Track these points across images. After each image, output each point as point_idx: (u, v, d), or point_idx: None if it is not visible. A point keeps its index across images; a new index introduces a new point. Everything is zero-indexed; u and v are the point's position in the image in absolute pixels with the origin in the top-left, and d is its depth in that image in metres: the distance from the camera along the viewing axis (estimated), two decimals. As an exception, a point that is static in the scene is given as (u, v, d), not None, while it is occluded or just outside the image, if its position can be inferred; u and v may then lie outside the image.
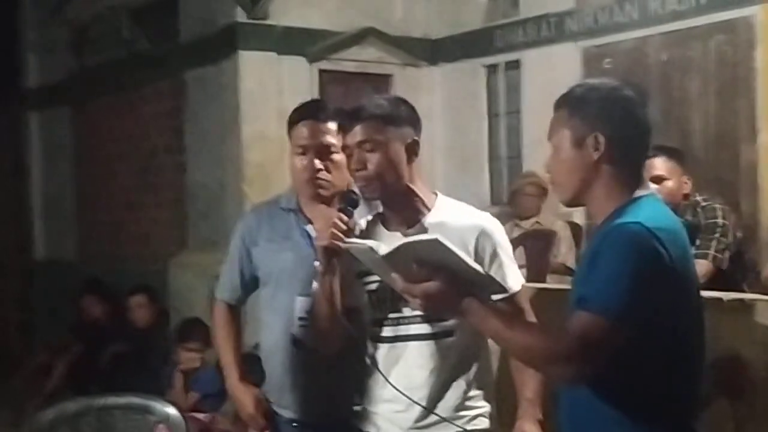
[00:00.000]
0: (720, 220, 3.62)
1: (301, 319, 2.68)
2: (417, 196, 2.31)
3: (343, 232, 2.22)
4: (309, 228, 2.72)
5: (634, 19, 5.90)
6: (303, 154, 2.69)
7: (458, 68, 7.03)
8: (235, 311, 2.92)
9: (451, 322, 2.26)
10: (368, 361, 2.35)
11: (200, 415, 4.90)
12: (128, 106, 7.58)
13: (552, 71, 6.28)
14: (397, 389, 2.25)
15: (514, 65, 6.71)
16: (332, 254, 2.22)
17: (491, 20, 6.85)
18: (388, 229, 2.34)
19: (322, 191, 2.68)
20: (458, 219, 2.31)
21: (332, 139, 2.67)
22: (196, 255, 6.47)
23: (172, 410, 2.98)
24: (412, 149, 2.30)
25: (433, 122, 7.09)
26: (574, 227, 6.10)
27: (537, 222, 6.04)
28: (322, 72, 6.61)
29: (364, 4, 6.74)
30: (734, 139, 5.48)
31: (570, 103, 1.95)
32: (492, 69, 6.91)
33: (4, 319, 8.68)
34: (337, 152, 2.66)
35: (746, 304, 3.04)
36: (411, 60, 7.03)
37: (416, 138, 2.31)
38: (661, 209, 1.90)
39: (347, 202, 2.33)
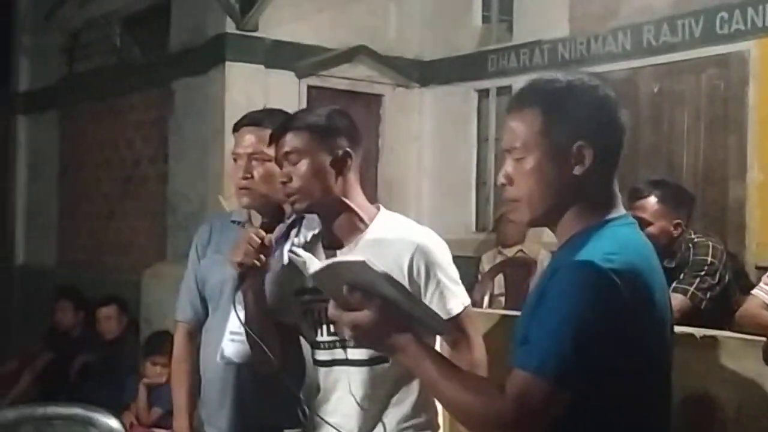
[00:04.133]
0: (709, 259, 3.49)
1: (232, 333, 2.57)
2: (352, 210, 2.20)
3: (257, 247, 2.13)
4: None
5: (626, 49, 5.83)
6: (237, 161, 2.63)
7: (450, 91, 6.96)
8: (194, 338, 2.78)
9: None
10: (312, 385, 2.27)
11: (160, 432, 4.78)
12: (115, 113, 7.51)
13: (543, 98, 6.18)
14: (325, 421, 2.15)
15: (506, 91, 6.63)
16: (246, 270, 2.15)
17: (485, 44, 6.79)
18: (325, 248, 2.24)
19: (248, 200, 2.60)
20: (396, 235, 2.18)
21: (265, 148, 2.55)
22: (172, 267, 6.34)
23: (115, 424, 2.86)
24: (343, 161, 2.19)
25: (422, 145, 7.03)
26: (558, 257, 6.01)
27: (521, 250, 5.94)
28: (310, 88, 6.54)
29: (356, 22, 6.68)
30: (723, 175, 5.38)
31: (545, 102, 1.63)
32: (484, 93, 6.83)
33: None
34: (269, 161, 2.54)
35: (719, 341, 2.93)
36: (402, 81, 6.96)
37: (349, 150, 2.20)
38: (627, 239, 1.63)
39: (270, 216, 2.26)
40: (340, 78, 6.67)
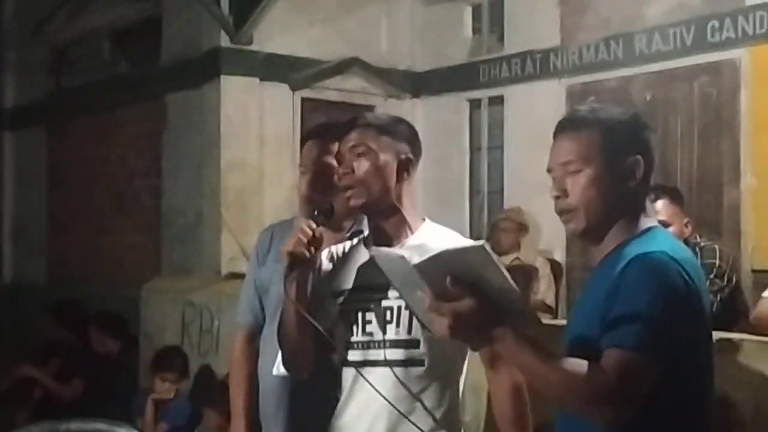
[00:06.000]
0: (717, 262, 3.57)
1: None
2: (402, 216, 2.21)
3: (309, 239, 2.13)
4: None
5: (618, 57, 5.90)
6: (304, 174, 2.65)
7: (441, 102, 7.01)
8: (254, 342, 2.77)
9: (422, 350, 2.13)
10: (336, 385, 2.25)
11: (168, 446, 4.76)
12: (106, 128, 7.48)
13: (535, 107, 6.27)
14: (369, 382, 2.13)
15: (498, 100, 6.70)
16: (295, 261, 2.13)
17: (476, 55, 6.84)
18: (367, 249, 2.22)
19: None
20: (439, 243, 2.10)
21: (333, 161, 2.59)
22: (169, 281, 6.34)
23: (139, 438, 2.85)
24: (404, 166, 2.20)
25: (415, 155, 7.04)
26: (554, 264, 6.06)
27: (517, 258, 5.98)
28: (304, 100, 6.57)
29: (348, 34, 6.72)
30: (717, 181, 5.46)
31: (603, 123, 1.83)
32: (475, 103, 6.89)
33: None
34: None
35: (735, 344, 2.98)
36: (394, 92, 7.00)
37: (410, 156, 2.22)
38: (676, 242, 1.84)
39: (320, 210, 2.24)
40: (334, 90, 6.70)
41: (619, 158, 1.80)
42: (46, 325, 6.49)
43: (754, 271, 5.13)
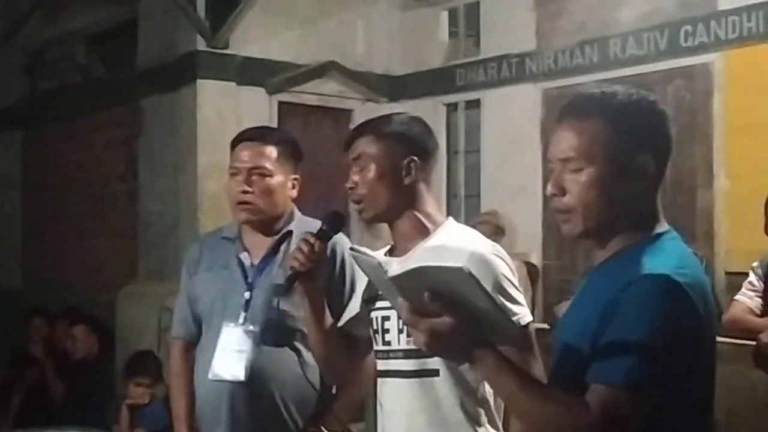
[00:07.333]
0: None
1: (224, 350, 2.57)
2: (417, 218, 2.13)
3: (307, 255, 2.11)
4: (243, 256, 2.64)
5: (594, 62, 5.95)
6: (235, 176, 2.62)
7: (418, 105, 6.98)
8: (190, 353, 2.77)
9: (435, 359, 2.02)
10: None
11: (145, 452, 4.73)
12: (81, 132, 7.44)
13: (512, 111, 6.31)
14: None
15: (475, 104, 6.73)
16: (296, 277, 2.12)
17: (452, 59, 6.87)
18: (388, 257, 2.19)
19: (246, 215, 2.60)
20: (458, 244, 2.06)
21: (266, 163, 2.58)
22: (146, 286, 6.31)
23: (114, 445, 2.84)
24: (408, 170, 2.12)
25: (392, 159, 7.05)
26: (531, 267, 6.09)
27: (494, 261, 6.00)
28: (281, 104, 6.56)
29: (326, 38, 6.73)
30: (691, 184, 5.51)
31: (610, 114, 1.61)
32: (452, 107, 6.91)
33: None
34: (270, 176, 2.58)
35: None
36: (371, 96, 7.01)
37: (416, 158, 2.12)
38: (686, 254, 1.63)
39: (328, 223, 2.21)
40: (311, 94, 6.70)
41: (627, 156, 1.59)
42: (25, 330, 6.41)
43: (727, 273, 5.17)
